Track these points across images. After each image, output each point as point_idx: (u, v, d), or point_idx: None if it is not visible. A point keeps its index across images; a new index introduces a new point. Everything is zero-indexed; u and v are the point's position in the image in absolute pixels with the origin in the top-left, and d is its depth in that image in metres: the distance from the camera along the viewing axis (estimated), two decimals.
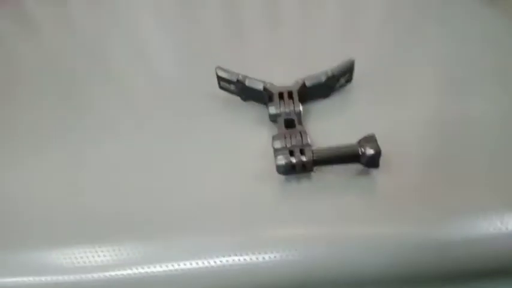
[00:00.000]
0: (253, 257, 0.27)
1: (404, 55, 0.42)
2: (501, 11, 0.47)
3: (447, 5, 0.49)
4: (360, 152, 0.29)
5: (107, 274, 0.27)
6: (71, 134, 0.36)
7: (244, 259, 0.27)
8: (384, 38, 0.46)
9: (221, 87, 0.37)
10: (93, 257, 0.28)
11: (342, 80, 0.37)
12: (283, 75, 0.35)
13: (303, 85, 0.35)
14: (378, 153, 0.28)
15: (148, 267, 0.27)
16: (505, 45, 0.41)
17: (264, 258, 0.27)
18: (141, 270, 0.27)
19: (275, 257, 0.27)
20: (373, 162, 0.29)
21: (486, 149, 0.31)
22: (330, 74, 0.35)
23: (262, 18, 0.52)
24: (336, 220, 0.28)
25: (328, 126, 0.34)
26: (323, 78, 0.35)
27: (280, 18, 0.51)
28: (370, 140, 0.29)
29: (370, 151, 0.28)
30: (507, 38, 0.42)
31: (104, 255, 0.28)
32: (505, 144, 0.32)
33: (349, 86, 0.38)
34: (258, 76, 0.35)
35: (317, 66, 0.36)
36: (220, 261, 0.27)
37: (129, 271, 0.27)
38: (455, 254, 0.27)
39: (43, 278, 0.27)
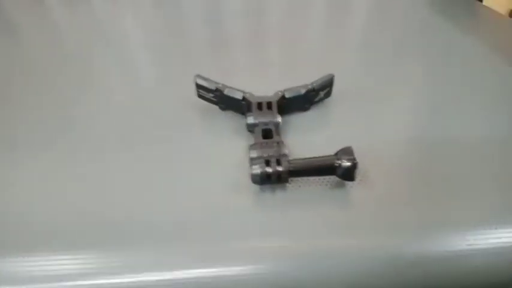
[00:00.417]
0: (224, 270, 0.26)
1: (385, 74, 0.43)
2: (480, 37, 0.49)
3: (429, 30, 0.51)
4: (336, 164, 0.28)
5: (70, 284, 0.26)
6: (45, 142, 0.35)
7: (214, 272, 0.26)
8: (365, 56, 0.47)
9: (199, 96, 0.36)
10: (51, 265, 0.26)
11: (322, 94, 0.37)
12: (263, 87, 0.35)
13: (283, 97, 0.35)
14: (354, 166, 0.28)
15: (114, 278, 0.26)
16: (484, 71, 0.43)
17: (235, 271, 0.26)
18: (106, 280, 0.26)
19: (246, 270, 0.26)
20: (349, 174, 0.29)
21: (461, 166, 0.32)
22: (309, 87, 0.36)
23: (246, 31, 0.52)
24: (310, 233, 0.27)
25: (306, 139, 0.34)
26: (303, 91, 0.35)
27: (264, 31, 0.52)
28: (347, 152, 0.29)
29: (346, 163, 0.28)
30: (486, 64, 0.44)
31: (69, 264, 0.26)
32: (480, 161, 0.32)
33: (328, 101, 0.38)
34: (238, 86, 0.35)
35: (298, 80, 0.36)
36: (189, 274, 0.26)
37: (94, 281, 0.26)
38: (429, 269, 0.27)
39: None
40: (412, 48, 0.48)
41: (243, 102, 0.35)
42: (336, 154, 0.29)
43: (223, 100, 0.35)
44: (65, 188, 0.31)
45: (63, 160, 0.33)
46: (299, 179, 0.30)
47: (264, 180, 0.29)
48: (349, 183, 0.30)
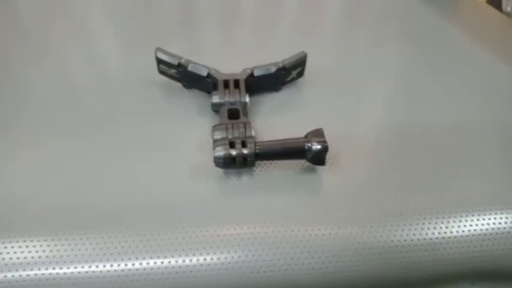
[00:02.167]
0: (185, 260, 0.24)
1: (361, 56, 0.41)
2: (458, 23, 0.48)
3: (407, 14, 0.50)
4: (306, 147, 0.26)
5: (21, 274, 0.23)
6: (4, 124, 0.31)
7: (176, 261, 0.24)
8: (341, 38, 0.45)
9: (160, 72, 0.33)
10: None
11: (294, 74, 0.35)
12: (231, 64, 0.33)
13: (251, 75, 0.33)
14: (324, 149, 0.26)
15: (67, 268, 0.23)
16: (460, 57, 0.42)
17: (196, 260, 0.24)
18: (64, 270, 0.23)
19: (209, 259, 0.24)
20: (319, 158, 0.27)
21: (433, 154, 0.31)
22: (280, 65, 0.33)
23: (215, 6, 0.49)
24: (277, 220, 0.26)
25: (276, 121, 0.32)
26: (273, 69, 0.33)
27: (235, 7, 0.49)
28: (317, 134, 0.27)
29: (316, 146, 0.26)
30: (462, 50, 0.43)
31: (22, 252, 0.24)
32: (452, 149, 0.31)
33: (301, 81, 0.36)
34: (204, 63, 0.33)
35: (269, 58, 0.34)
36: (147, 264, 0.24)
37: (50, 271, 0.23)
38: (400, 257, 0.26)
39: None
40: (389, 31, 0.46)
41: (208, 80, 0.32)
42: (306, 136, 0.27)
43: (186, 77, 0.33)
44: (18, 171, 0.28)
45: (14, 142, 0.30)
46: (266, 163, 0.28)
47: (228, 163, 0.26)
48: (319, 168, 0.28)
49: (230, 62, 0.33)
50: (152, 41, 0.38)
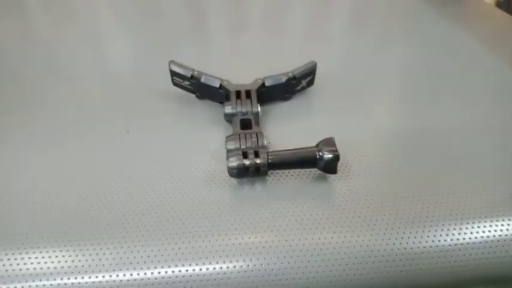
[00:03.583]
0: (202, 268, 0.25)
1: (369, 63, 0.42)
2: (467, 27, 0.48)
3: (415, 19, 0.50)
4: (317, 156, 0.27)
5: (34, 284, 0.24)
6: (17, 135, 0.32)
7: (193, 270, 0.25)
8: (350, 45, 0.45)
9: (174, 84, 0.34)
10: (10, 265, 0.24)
11: (304, 83, 0.35)
12: (242, 75, 0.33)
13: (262, 85, 0.33)
14: (336, 158, 0.27)
15: (78, 277, 0.24)
16: (468, 60, 0.42)
17: (212, 269, 0.25)
18: (73, 280, 0.24)
19: (223, 268, 0.25)
20: (331, 167, 0.27)
21: (445, 160, 0.31)
22: (291, 75, 0.34)
23: (225, 16, 0.50)
24: (291, 228, 0.26)
25: (287, 130, 0.32)
26: (283, 79, 0.34)
27: (245, 18, 0.50)
28: (328, 143, 0.27)
29: (328, 155, 0.27)
30: (471, 53, 0.43)
31: (38, 262, 0.24)
32: (464, 155, 0.31)
33: (310, 90, 0.37)
34: (216, 74, 0.33)
35: (279, 68, 0.35)
36: (165, 272, 0.25)
37: (59, 281, 0.24)
38: (412, 264, 0.26)
39: None
40: (397, 36, 0.47)
41: (221, 91, 0.33)
42: (317, 146, 0.28)
43: (199, 88, 0.33)
44: (29, 178, 0.29)
45: (26, 152, 0.31)
46: (279, 172, 0.29)
47: (242, 173, 0.27)
48: (331, 176, 0.29)
49: (240, 71, 0.34)
50: (164, 52, 0.39)
